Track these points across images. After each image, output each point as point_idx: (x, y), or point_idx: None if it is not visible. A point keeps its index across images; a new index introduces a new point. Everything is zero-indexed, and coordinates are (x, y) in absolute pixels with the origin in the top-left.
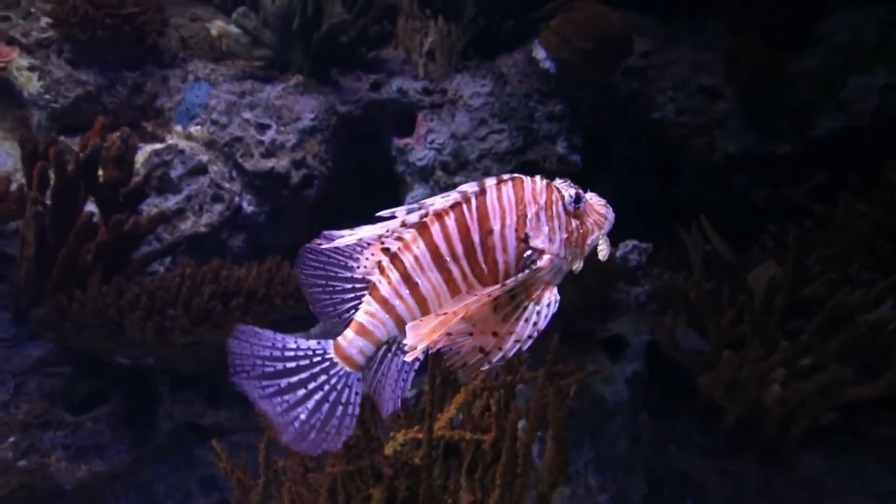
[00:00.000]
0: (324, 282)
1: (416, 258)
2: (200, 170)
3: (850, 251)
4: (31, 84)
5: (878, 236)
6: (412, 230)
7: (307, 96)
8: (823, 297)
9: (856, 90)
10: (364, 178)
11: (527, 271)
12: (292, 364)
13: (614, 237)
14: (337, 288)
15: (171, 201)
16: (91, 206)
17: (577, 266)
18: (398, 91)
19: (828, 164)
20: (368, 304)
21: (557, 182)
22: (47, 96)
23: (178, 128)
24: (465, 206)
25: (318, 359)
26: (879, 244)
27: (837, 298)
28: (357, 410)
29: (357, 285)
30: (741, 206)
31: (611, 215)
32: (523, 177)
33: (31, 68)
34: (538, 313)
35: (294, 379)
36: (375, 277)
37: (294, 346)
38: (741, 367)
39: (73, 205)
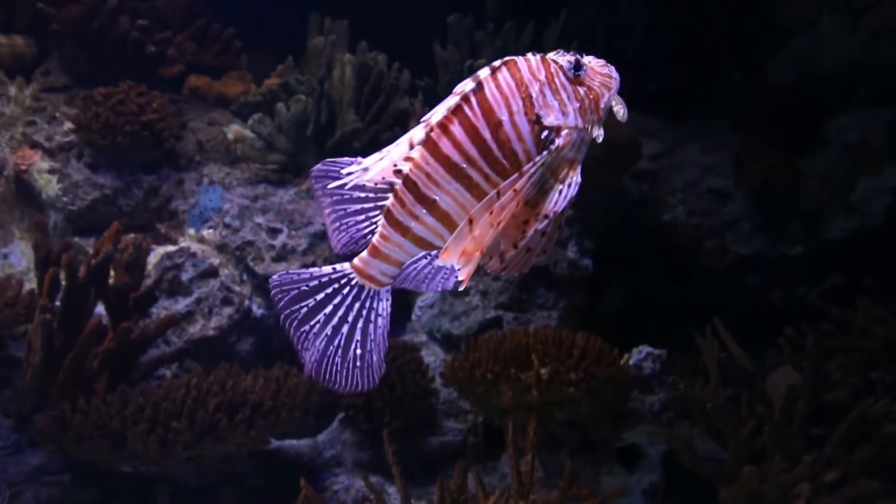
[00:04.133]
0: (338, 206)
1: (428, 175)
2: (211, 273)
3: (871, 357)
4: (50, 186)
5: None
6: (419, 147)
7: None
8: (846, 404)
9: (866, 191)
10: None
11: (545, 153)
12: (321, 295)
13: (628, 343)
14: (350, 210)
15: (181, 304)
16: (101, 308)
17: (599, 134)
18: None
19: (842, 265)
20: (383, 228)
21: (551, 55)
22: (65, 199)
23: (191, 230)
24: (466, 108)
25: (345, 281)
26: None
27: (861, 408)
28: (388, 323)
29: (369, 212)
30: (756, 307)
31: (615, 73)
32: (515, 58)
33: (52, 171)
34: (567, 188)
35: (329, 308)
36: (389, 202)
37: (318, 275)
38: (763, 481)
39: (83, 310)
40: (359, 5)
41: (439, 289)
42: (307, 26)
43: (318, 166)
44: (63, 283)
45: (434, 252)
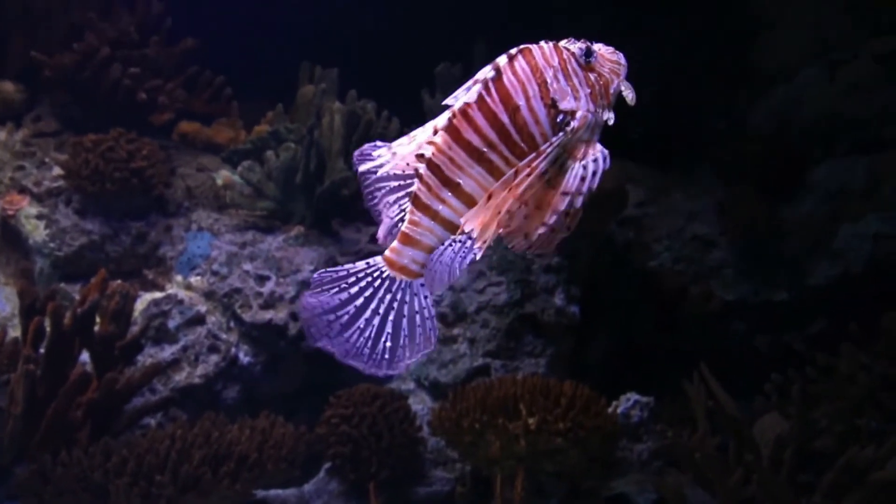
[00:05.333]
0: (372, 193)
1: (451, 159)
2: (198, 320)
3: (856, 404)
4: (37, 232)
5: (882, 389)
6: (442, 133)
7: (307, 248)
8: (833, 451)
9: (848, 238)
10: None
11: (561, 134)
12: (355, 289)
13: (616, 389)
14: (383, 200)
15: (167, 351)
16: (86, 355)
17: (609, 117)
18: None
19: (826, 311)
20: (412, 214)
21: (562, 43)
22: (52, 244)
23: (179, 277)
24: (485, 94)
25: (377, 276)
26: (885, 397)
27: (848, 456)
28: (433, 313)
29: (400, 201)
30: (742, 353)
31: (623, 60)
32: (530, 45)
33: (39, 216)
34: (585, 168)
35: (367, 311)
36: (415, 187)
37: (347, 272)
38: None
39: (67, 359)
40: (349, 54)
41: (464, 267)
42: (298, 73)
43: (358, 153)
44: (48, 330)
45: (451, 239)
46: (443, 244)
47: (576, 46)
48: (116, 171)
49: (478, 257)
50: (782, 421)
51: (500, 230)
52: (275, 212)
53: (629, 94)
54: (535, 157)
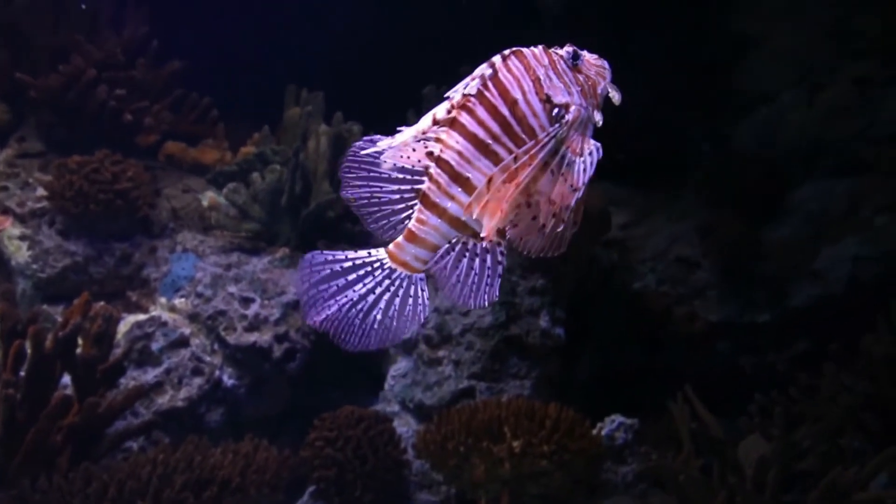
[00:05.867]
0: (370, 195)
1: (459, 153)
2: (182, 343)
3: (838, 424)
4: (19, 253)
5: (864, 409)
6: (446, 128)
7: (292, 269)
8: (817, 472)
9: (828, 260)
10: None
11: (557, 125)
12: (353, 276)
13: (601, 411)
14: (384, 199)
15: (150, 374)
16: (67, 377)
17: (598, 119)
18: None
19: (808, 332)
20: (420, 212)
21: (552, 49)
22: (34, 266)
23: (163, 299)
24: (484, 90)
25: (377, 266)
26: (866, 417)
27: (831, 476)
28: (427, 302)
29: (405, 195)
30: (726, 374)
31: (607, 65)
32: (520, 48)
33: (22, 237)
34: (584, 162)
35: (361, 289)
36: (425, 186)
37: (351, 258)
38: None
39: (48, 382)
40: (335, 76)
41: (497, 280)
42: (284, 96)
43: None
44: (29, 353)
45: (456, 239)
46: (448, 242)
47: (563, 50)
48: (101, 192)
49: (484, 244)
50: (766, 442)
51: (508, 229)
52: (260, 233)
53: (615, 95)
54: (534, 146)
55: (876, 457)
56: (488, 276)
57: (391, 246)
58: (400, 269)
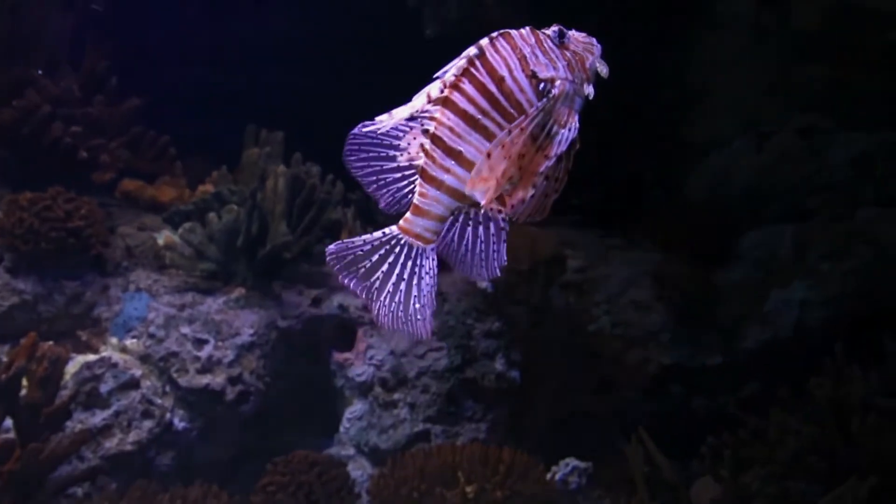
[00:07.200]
0: (374, 174)
1: (451, 129)
2: (132, 385)
3: (786, 467)
4: None
5: (810, 452)
6: (438, 106)
7: (248, 310)
8: None
9: (777, 304)
10: (303, 391)
11: (545, 100)
12: (376, 256)
13: (555, 453)
14: (388, 178)
15: (98, 417)
16: (9, 421)
17: (589, 92)
18: (339, 307)
19: (758, 374)
20: (421, 186)
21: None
22: None
23: (114, 340)
24: (472, 68)
25: (395, 243)
26: (812, 460)
27: None
28: (435, 277)
29: (406, 172)
30: (679, 416)
31: (596, 41)
32: (508, 30)
33: None
34: (564, 133)
35: (386, 268)
36: (422, 161)
37: (370, 240)
38: None
39: None
40: (295, 116)
41: (502, 245)
42: (244, 135)
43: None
44: None
45: (458, 209)
46: (451, 212)
47: (550, 30)
48: (52, 230)
49: (482, 210)
50: (716, 486)
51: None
52: (215, 273)
53: (603, 69)
54: (524, 119)
55: (822, 498)
56: (493, 241)
57: (401, 222)
58: (416, 243)
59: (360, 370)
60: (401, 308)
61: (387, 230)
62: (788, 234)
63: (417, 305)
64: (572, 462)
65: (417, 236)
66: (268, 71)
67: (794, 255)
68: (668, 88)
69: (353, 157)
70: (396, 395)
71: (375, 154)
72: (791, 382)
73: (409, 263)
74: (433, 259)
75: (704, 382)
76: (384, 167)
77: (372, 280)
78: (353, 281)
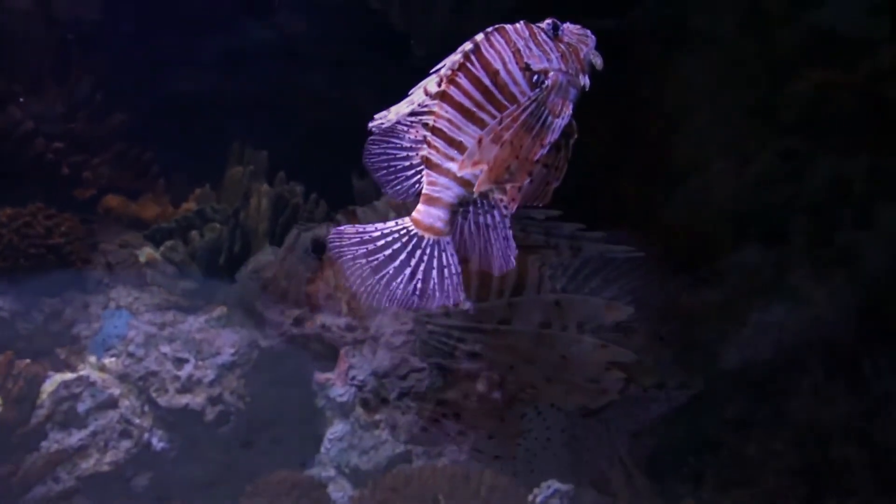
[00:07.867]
0: (387, 167)
1: (450, 121)
2: (110, 404)
3: (767, 489)
4: None
5: (792, 474)
6: (437, 101)
7: (229, 329)
8: None
9: (758, 325)
10: (284, 412)
11: (538, 90)
12: (388, 250)
13: (534, 478)
14: (399, 167)
15: (75, 437)
16: None
17: (585, 82)
18: (321, 326)
19: (739, 396)
20: (428, 176)
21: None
22: None
23: (93, 358)
24: (467, 63)
25: (406, 235)
26: (794, 482)
27: None
28: (458, 269)
29: (415, 163)
30: (660, 437)
31: (590, 33)
32: (504, 25)
33: None
34: (557, 122)
35: (396, 261)
36: (425, 151)
37: (380, 230)
38: None
39: None
40: (280, 135)
41: (509, 234)
42: (229, 153)
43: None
44: None
45: (465, 197)
46: (459, 201)
47: (544, 23)
48: (32, 247)
49: (475, 196)
50: None
51: (508, 187)
52: (197, 291)
53: (598, 61)
54: (516, 109)
55: None
56: (501, 227)
57: (414, 213)
58: (428, 235)
59: (342, 391)
60: (416, 294)
61: (399, 220)
62: (769, 256)
63: (419, 287)
64: (554, 484)
65: (429, 227)
66: (256, 85)
67: (773, 277)
68: (647, 112)
69: (371, 159)
70: (378, 416)
71: (384, 147)
72: (771, 404)
73: (419, 253)
74: (449, 252)
75: (685, 404)
76: (396, 156)
77: (376, 266)
78: (354, 266)
